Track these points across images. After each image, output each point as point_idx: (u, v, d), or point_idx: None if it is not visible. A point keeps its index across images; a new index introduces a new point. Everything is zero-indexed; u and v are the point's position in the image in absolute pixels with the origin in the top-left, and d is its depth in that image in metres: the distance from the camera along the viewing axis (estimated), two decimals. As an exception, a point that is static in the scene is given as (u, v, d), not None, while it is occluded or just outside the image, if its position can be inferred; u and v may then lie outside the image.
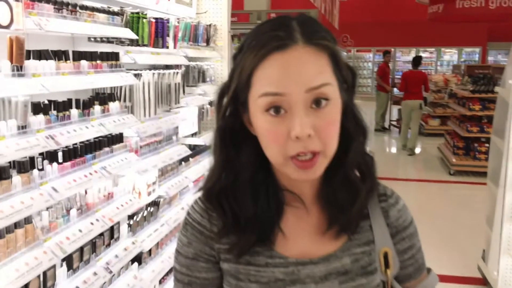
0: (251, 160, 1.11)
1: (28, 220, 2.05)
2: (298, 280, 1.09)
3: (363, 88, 24.43)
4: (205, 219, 1.15)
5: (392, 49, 22.75)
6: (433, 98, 13.10)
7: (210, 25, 4.62)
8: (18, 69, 1.98)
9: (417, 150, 12.00)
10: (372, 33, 22.09)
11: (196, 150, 4.11)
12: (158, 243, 3.31)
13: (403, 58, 23.79)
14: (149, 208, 3.25)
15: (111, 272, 2.59)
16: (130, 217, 3.01)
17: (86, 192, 2.55)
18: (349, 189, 1.12)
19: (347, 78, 1.06)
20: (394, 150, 13.00)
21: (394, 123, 14.59)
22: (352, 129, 1.10)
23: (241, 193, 1.11)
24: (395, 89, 16.47)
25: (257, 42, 1.01)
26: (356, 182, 1.12)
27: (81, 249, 2.43)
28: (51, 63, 2.20)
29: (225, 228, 1.12)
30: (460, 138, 9.65)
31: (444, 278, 5.08)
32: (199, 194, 1.18)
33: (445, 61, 23.45)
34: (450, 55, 23.73)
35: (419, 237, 1.21)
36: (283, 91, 0.97)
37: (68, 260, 2.34)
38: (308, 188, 1.13)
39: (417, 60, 11.55)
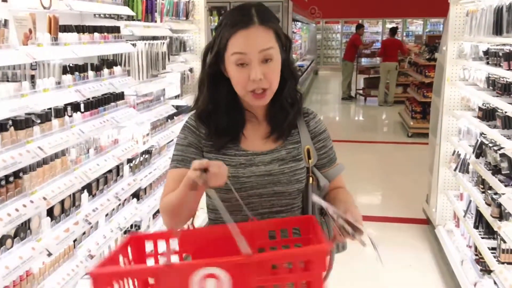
0: (225, 93, 1.78)
1: (63, 153, 2.74)
2: (254, 164, 1.78)
3: (332, 59, 24.91)
4: (196, 125, 1.82)
5: (360, 20, 23.35)
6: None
7: (189, 1, 5.26)
8: (55, 40, 2.65)
9: (383, 116, 12.91)
10: (340, 5, 22.52)
11: (179, 110, 4.79)
12: (151, 184, 4.02)
13: (370, 29, 24.33)
14: (144, 155, 3.94)
15: (119, 199, 3.30)
16: (130, 160, 3.71)
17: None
18: (282, 112, 1.82)
19: (285, 44, 1.75)
20: (360, 117, 13.82)
21: (360, 91, 15.33)
22: (287, 75, 1.79)
23: (219, 114, 1.79)
24: (363, 59, 17.36)
25: (231, 22, 1.68)
26: (287, 108, 1.82)
27: (97, 181, 3.13)
28: (75, 35, 2.87)
29: (209, 135, 1.80)
30: (417, 103, 10.33)
31: (395, 220, 5.91)
32: (192, 112, 1.86)
33: (411, 31, 23.94)
34: (416, 25, 24.34)
35: (331, 141, 1.92)
36: (246, 51, 1.66)
37: (89, 188, 3.04)
38: (260, 110, 1.83)
39: (393, 30, 14.62)
